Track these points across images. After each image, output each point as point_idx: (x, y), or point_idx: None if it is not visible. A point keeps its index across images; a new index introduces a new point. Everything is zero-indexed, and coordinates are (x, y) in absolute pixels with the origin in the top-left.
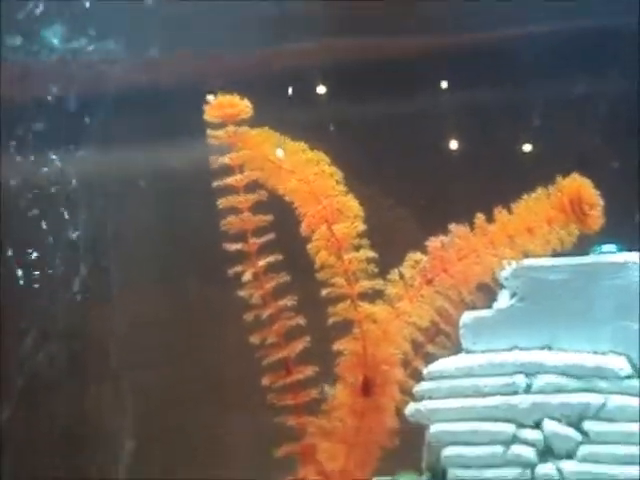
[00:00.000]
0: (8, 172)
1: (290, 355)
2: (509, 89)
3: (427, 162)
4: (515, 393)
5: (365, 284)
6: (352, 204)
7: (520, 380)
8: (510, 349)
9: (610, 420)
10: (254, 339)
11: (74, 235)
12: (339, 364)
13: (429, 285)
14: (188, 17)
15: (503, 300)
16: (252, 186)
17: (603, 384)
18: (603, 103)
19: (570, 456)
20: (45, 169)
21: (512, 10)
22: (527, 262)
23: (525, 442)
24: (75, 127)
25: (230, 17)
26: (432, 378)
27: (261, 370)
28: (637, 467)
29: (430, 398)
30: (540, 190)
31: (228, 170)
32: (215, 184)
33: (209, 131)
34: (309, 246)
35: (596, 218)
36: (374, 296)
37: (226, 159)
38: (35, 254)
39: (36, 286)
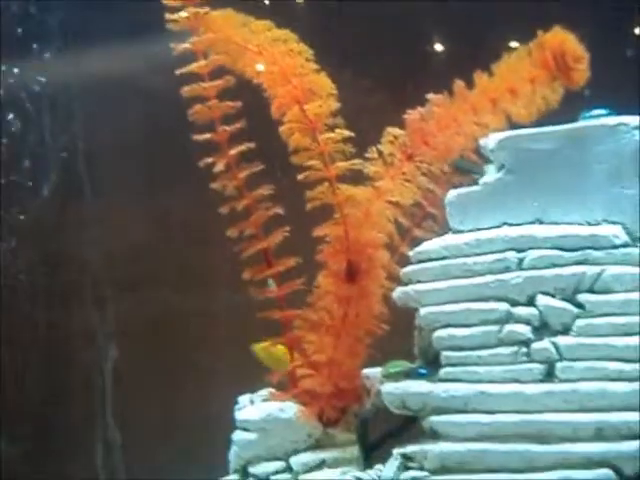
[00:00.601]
0: None
1: (270, 246)
2: None
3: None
4: (506, 270)
5: (342, 165)
6: (324, 82)
7: (511, 256)
8: (499, 225)
9: (607, 291)
10: (231, 233)
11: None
12: (321, 251)
13: (410, 161)
14: None
15: (490, 174)
16: (218, 72)
17: (598, 254)
18: None
19: (566, 331)
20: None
21: None
22: (514, 132)
23: (519, 319)
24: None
25: None
26: (419, 260)
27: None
28: (637, 337)
29: (419, 281)
30: (521, 47)
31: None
32: (178, 72)
33: (167, 15)
34: (281, 129)
35: (582, 72)
36: (354, 178)
37: (188, 45)
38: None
39: None
